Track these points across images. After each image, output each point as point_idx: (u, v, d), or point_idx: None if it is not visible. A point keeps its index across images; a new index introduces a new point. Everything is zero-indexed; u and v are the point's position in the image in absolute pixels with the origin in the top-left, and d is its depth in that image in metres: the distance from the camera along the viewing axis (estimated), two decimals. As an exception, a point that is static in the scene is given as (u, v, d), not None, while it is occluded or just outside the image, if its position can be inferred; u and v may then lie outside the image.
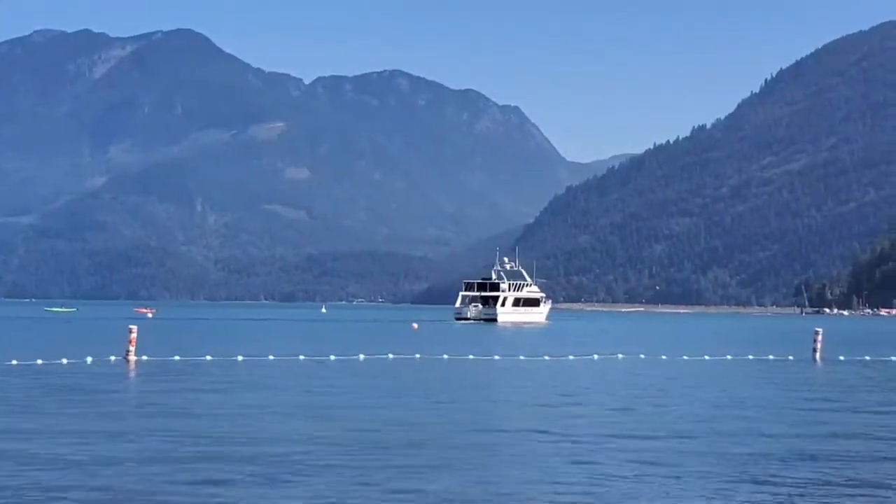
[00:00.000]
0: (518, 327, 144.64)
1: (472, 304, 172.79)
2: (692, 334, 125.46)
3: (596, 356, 62.21)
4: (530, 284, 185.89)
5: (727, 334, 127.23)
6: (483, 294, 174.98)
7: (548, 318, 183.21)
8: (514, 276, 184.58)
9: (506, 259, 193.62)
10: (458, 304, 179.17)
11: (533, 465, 22.02)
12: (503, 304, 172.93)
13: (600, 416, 30.80)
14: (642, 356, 63.13)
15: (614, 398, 36.80)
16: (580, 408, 33.43)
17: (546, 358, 61.00)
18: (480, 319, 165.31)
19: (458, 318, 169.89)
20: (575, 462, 22.30)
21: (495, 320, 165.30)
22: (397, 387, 40.87)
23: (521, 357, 61.71)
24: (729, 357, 64.39)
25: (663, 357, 62.93)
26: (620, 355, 63.25)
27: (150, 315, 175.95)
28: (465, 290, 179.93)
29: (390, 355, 58.81)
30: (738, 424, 29.28)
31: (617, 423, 29.00)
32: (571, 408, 33.43)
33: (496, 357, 61.60)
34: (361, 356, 57.88)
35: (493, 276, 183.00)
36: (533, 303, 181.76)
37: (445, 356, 60.02)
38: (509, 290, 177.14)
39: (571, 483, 19.95)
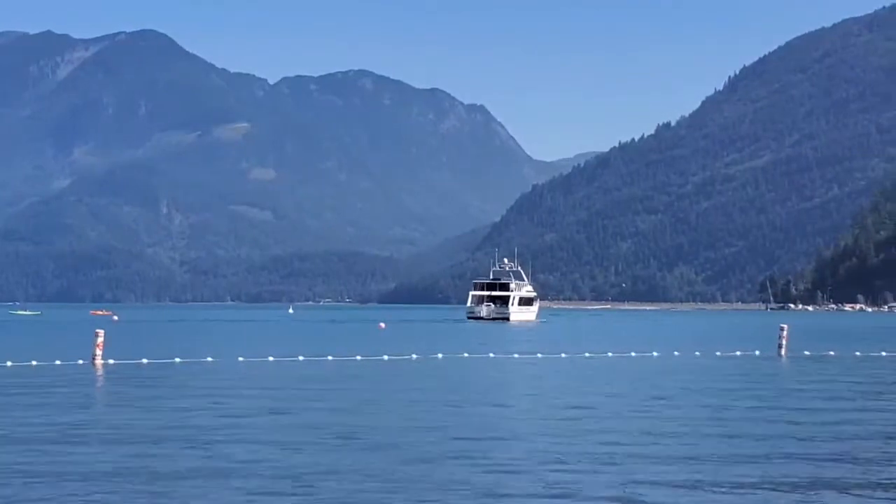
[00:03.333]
0: (532, 325, 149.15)
1: (485, 303, 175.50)
2: (667, 331, 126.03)
3: (610, 353, 64.04)
4: (527, 284, 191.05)
5: (696, 331, 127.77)
6: (493, 293, 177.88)
7: (538, 316, 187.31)
8: (513, 276, 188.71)
9: (505, 259, 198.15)
10: (469, 303, 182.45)
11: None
12: (513, 304, 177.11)
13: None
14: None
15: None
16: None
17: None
18: (493, 318, 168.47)
19: (470, 317, 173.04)
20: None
21: (508, 319, 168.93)
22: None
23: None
24: (697, 353, 64.93)
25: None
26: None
27: (115, 318, 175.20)
28: (476, 290, 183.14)
29: (358, 357, 58.85)
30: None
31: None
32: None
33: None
34: (330, 357, 58.04)
35: (491, 276, 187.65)
36: (529, 302, 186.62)
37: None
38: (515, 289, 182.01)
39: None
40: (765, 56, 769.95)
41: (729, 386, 42.17)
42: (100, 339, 52.44)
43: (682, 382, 43.60)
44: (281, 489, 19.08)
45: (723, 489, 19.35)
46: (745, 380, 46.22)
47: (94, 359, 51.65)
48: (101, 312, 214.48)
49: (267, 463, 21.65)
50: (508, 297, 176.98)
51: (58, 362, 50.49)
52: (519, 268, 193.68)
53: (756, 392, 39.35)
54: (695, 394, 38.26)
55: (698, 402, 34.79)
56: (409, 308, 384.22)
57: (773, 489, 19.39)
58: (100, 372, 47.99)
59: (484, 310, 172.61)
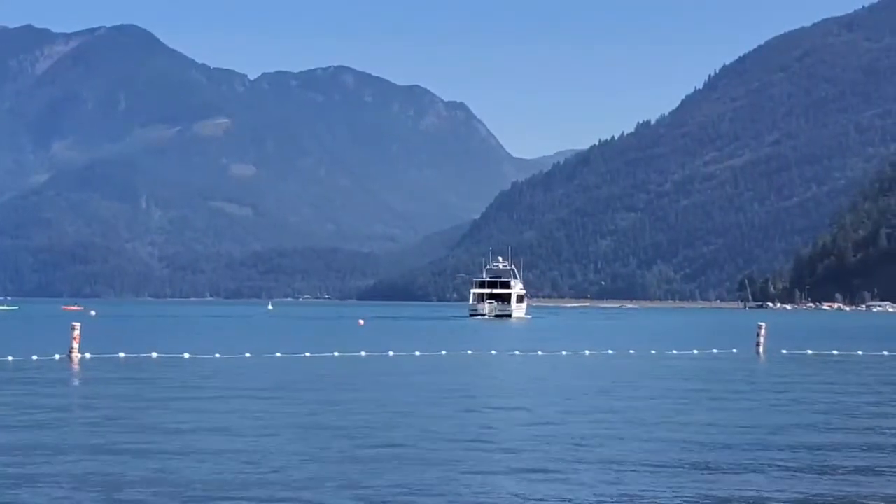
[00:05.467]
0: (525, 322, 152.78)
1: (488, 301, 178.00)
2: (646, 329, 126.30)
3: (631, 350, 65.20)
4: (519, 282, 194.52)
5: (674, 329, 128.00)
6: (494, 291, 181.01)
7: (526, 313, 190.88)
8: (506, 274, 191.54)
9: (500, 258, 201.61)
10: (471, 301, 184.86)
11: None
12: (514, 302, 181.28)
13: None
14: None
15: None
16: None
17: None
18: (496, 316, 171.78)
19: (472, 315, 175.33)
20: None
21: (510, 316, 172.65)
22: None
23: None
24: (674, 352, 65.08)
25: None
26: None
27: (93, 313, 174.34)
28: (477, 288, 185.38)
29: (335, 353, 58.76)
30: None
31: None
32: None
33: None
34: (307, 353, 57.94)
35: (484, 274, 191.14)
36: (520, 299, 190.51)
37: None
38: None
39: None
40: (744, 55, 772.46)
41: (704, 386, 42.23)
42: (76, 333, 52.17)
43: (652, 382, 43.69)
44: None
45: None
46: (722, 379, 46.24)
47: (70, 353, 51.39)
48: (72, 308, 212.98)
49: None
50: (509, 294, 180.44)
51: (35, 357, 50.26)
52: (512, 266, 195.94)
53: (731, 392, 39.42)
54: (662, 393, 38.29)
55: (664, 403, 34.80)
56: (404, 305, 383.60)
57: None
58: (76, 366, 47.77)
59: (487, 307, 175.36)
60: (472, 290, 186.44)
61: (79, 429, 26.27)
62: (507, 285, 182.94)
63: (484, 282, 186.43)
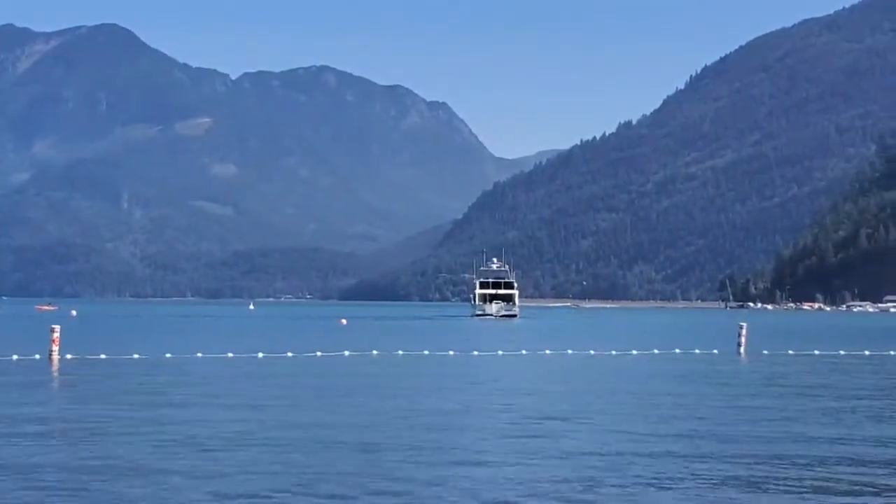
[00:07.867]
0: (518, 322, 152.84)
1: (494, 301, 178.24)
2: (629, 329, 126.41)
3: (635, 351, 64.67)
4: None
5: (656, 329, 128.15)
6: (498, 292, 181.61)
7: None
8: (505, 275, 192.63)
9: (494, 259, 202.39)
10: (476, 301, 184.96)
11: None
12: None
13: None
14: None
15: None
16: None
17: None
18: (502, 316, 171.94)
19: (478, 315, 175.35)
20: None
21: (515, 316, 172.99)
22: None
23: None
24: (656, 351, 65.11)
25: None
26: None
27: (73, 313, 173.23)
28: (481, 289, 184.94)
29: (318, 353, 58.60)
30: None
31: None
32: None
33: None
34: (289, 353, 57.79)
35: (477, 275, 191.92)
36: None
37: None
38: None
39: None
40: (726, 55, 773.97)
41: (686, 385, 42.25)
42: (56, 335, 51.84)
43: (638, 381, 43.74)
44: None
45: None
46: (703, 379, 46.29)
47: (50, 354, 51.09)
48: (46, 307, 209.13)
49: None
50: (513, 295, 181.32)
51: (15, 357, 50.00)
52: (506, 267, 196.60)
53: (714, 391, 39.46)
54: (645, 393, 38.32)
55: (646, 403, 34.83)
56: (392, 305, 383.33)
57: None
58: (56, 367, 47.51)
59: (493, 308, 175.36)
60: (477, 291, 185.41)
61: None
62: (510, 286, 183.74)
63: (488, 282, 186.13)
